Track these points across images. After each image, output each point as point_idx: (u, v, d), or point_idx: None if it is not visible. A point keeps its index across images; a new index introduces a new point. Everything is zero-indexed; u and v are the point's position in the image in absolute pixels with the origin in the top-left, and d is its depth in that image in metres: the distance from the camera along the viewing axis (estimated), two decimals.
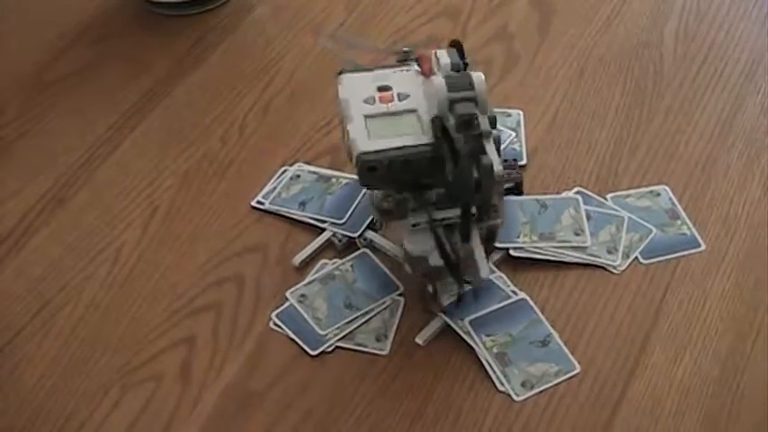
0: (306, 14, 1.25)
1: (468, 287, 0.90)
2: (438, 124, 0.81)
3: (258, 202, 1.02)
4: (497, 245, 0.93)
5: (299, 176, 1.04)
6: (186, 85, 1.17)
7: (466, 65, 0.86)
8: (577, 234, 0.95)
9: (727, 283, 0.93)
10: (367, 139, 0.83)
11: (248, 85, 1.16)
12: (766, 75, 1.11)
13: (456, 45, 0.88)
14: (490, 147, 0.80)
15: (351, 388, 0.88)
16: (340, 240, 0.97)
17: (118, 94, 1.16)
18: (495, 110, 0.90)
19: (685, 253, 0.95)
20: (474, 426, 0.85)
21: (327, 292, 0.94)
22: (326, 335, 0.91)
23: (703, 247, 0.96)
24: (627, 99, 1.10)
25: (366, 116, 0.85)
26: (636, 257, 0.95)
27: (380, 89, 0.87)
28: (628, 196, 1.00)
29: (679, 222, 0.98)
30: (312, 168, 1.05)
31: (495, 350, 0.88)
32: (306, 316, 0.92)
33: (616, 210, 0.98)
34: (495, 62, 1.15)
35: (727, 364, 0.88)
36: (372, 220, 0.97)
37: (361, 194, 0.99)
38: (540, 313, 0.91)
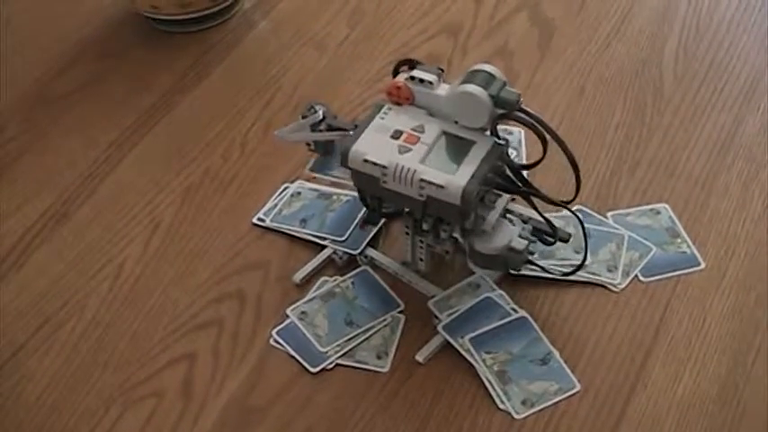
0: (307, 31, 1.25)
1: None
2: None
3: (259, 219, 1.03)
4: None
5: (299, 193, 1.04)
6: (188, 102, 1.17)
7: (442, 70, 0.88)
8: (578, 252, 0.96)
9: (726, 301, 0.93)
10: (451, 175, 0.83)
11: (250, 101, 1.16)
12: (766, 93, 1.12)
13: (409, 62, 0.89)
14: None
15: (351, 405, 0.88)
16: (341, 257, 0.98)
17: (120, 111, 1.16)
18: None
19: (685, 271, 0.96)
20: None
21: (328, 309, 0.94)
22: (327, 352, 0.91)
23: (703, 265, 0.96)
24: (627, 117, 1.10)
25: (420, 162, 0.85)
26: (636, 276, 0.95)
27: (395, 135, 0.86)
28: (628, 214, 1.00)
29: (679, 240, 0.98)
30: (313, 186, 1.05)
31: (495, 368, 0.88)
32: (306, 333, 0.92)
33: (616, 228, 0.99)
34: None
35: (728, 382, 0.88)
36: (372, 237, 0.98)
37: (361, 212, 0.99)
38: (540, 331, 0.91)
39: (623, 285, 0.95)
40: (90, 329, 0.95)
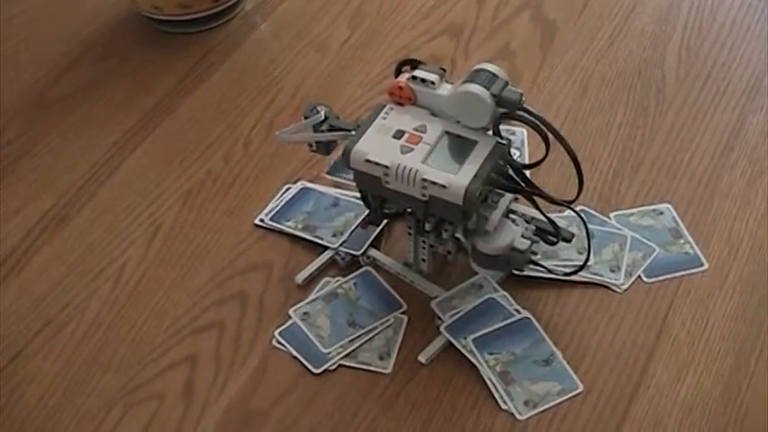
0: (309, 32, 1.25)
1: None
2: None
3: (261, 220, 1.02)
4: None
5: (301, 194, 1.04)
6: (189, 103, 1.17)
7: (444, 70, 0.88)
8: (581, 253, 0.95)
9: (730, 301, 0.93)
10: (453, 175, 0.83)
11: (251, 102, 1.16)
12: None
13: (411, 62, 0.89)
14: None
15: (354, 406, 0.88)
16: (343, 258, 0.97)
17: (121, 113, 1.16)
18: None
19: (688, 272, 0.95)
20: None
21: (330, 310, 0.94)
22: (329, 353, 0.91)
23: (706, 265, 0.96)
24: (629, 117, 1.10)
25: (422, 162, 0.84)
26: (639, 276, 0.95)
27: (397, 135, 0.86)
28: (631, 215, 1.00)
29: (682, 241, 0.98)
30: (315, 186, 1.05)
31: (498, 369, 0.88)
32: (309, 334, 0.92)
33: (619, 228, 0.98)
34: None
35: (730, 383, 0.87)
36: (374, 237, 0.98)
37: (365, 213, 0.99)
38: (543, 332, 0.91)
39: (626, 286, 0.94)
40: (91, 332, 0.95)
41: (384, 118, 0.88)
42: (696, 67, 1.15)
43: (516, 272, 0.93)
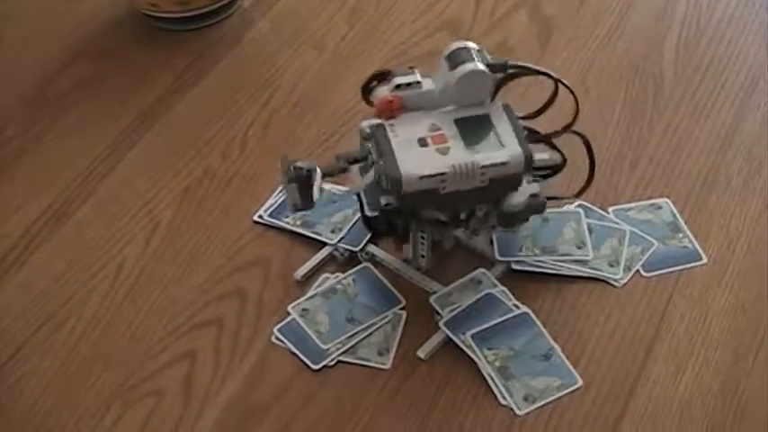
0: (306, 29, 1.25)
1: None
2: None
3: (260, 217, 1.02)
4: (499, 258, 0.94)
5: None
6: (187, 101, 1.17)
7: (412, 68, 0.89)
8: (579, 247, 0.95)
9: (728, 296, 0.93)
10: (503, 149, 0.85)
11: (249, 100, 1.16)
12: (766, 88, 1.11)
13: (378, 77, 0.89)
14: None
15: (353, 402, 0.88)
16: (342, 254, 0.97)
17: (119, 110, 1.16)
18: None
19: (687, 266, 0.95)
20: None
21: (329, 306, 0.94)
22: (328, 349, 0.91)
23: (705, 260, 0.96)
24: (627, 113, 1.10)
25: (469, 152, 0.86)
26: (637, 271, 0.95)
27: (422, 143, 0.86)
28: (629, 209, 1.00)
29: (680, 235, 0.98)
30: None
31: (497, 364, 0.88)
32: (308, 330, 0.92)
33: (617, 223, 0.98)
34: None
35: (729, 377, 0.87)
36: (372, 234, 0.98)
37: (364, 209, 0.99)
38: (542, 327, 0.91)
39: (625, 281, 0.94)
40: (90, 329, 0.95)
41: (396, 135, 0.87)
42: (694, 62, 1.15)
43: (516, 267, 0.93)
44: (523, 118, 0.91)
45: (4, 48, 1.27)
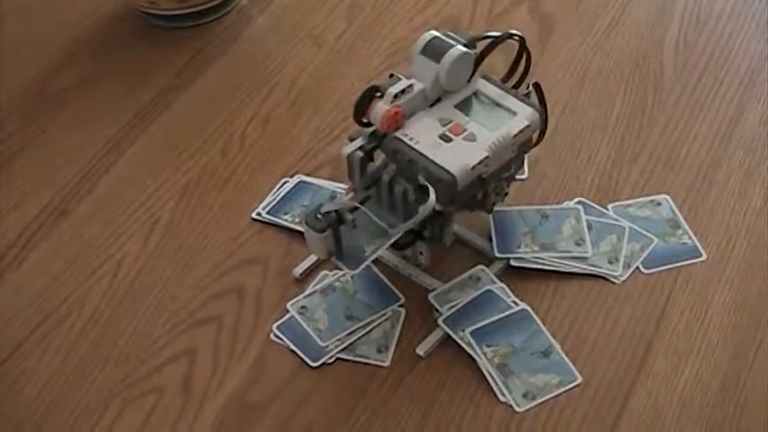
0: (305, 26, 1.25)
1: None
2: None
3: (258, 214, 1.02)
4: (498, 255, 0.94)
5: (299, 188, 1.04)
6: (186, 98, 1.17)
7: (392, 75, 0.90)
8: (578, 244, 0.95)
9: (728, 292, 0.93)
10: (518, 115, 0.89)
11: (248, 96, 1.16)
12: (766, 84, 1.11)
13: (373, 91, 0.88)
14: None
15: (352, 400, 0.88)
16: None
17: (118, 107, 1.16)
18: None
19: (687, 263, 0.95)
20: None
21: (328, 303, 0.94)
22: (327, 346, 0.91)
23: (704, 256, 0.96)
24: (627, 108, 1.10)
25: (493, 129, 0.88)
26: (637, 267, 0.95)
27: (445, 138, 0.87)
28: (629, 206, 1.00)
29: (680, 232, 0.97)
30: (312, 180, 1.04)
31: (496, 361, 0.88)
32: (306, 327, 0.92)
33: (617, 219, 0.98)
34: (496, 72, 1.15)
35: (729, 374, 0.87)
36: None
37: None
38: (541, 324, 0.91)
39: (624, 277, 0.94)
40: (89, 326, 0.95)
41: (417, 142, 0.87)
42: (694, 57, 1.15)
43: (515, 264, 0.93)
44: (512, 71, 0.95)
45: (3, 43, 1.27)
